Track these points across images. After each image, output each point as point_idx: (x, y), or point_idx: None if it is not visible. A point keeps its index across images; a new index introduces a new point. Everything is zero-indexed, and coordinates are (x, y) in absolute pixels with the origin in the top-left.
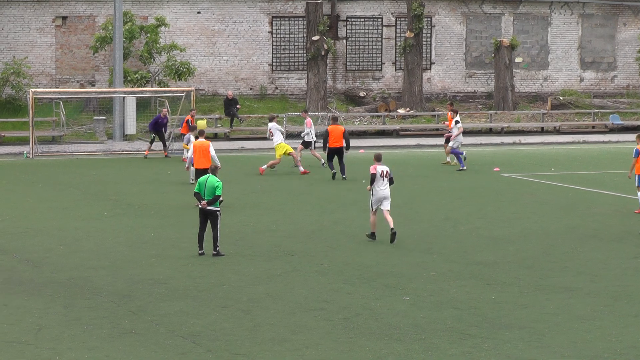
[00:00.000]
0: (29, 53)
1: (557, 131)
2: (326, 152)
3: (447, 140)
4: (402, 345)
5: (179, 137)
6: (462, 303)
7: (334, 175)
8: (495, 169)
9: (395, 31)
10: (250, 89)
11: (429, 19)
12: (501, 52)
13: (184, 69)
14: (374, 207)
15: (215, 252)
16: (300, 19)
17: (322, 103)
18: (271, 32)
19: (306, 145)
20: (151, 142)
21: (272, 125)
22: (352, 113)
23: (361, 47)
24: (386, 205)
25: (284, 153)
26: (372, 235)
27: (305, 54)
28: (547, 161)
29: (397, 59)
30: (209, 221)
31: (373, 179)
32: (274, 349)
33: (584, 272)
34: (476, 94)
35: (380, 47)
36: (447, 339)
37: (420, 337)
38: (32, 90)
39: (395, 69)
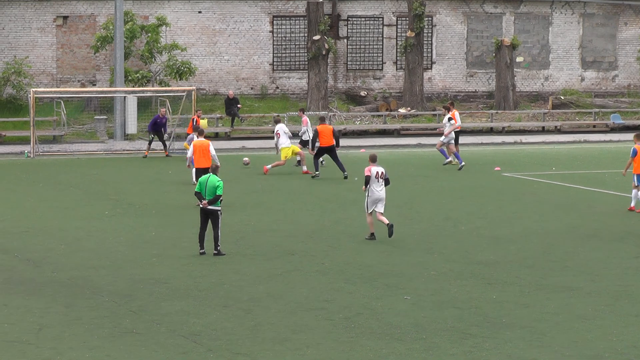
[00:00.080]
0: (30, 52)
1: (558, 131)
2: (314, 151)
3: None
4: (403, 344)
5: (179, 137)
6: (463, 302)
7: (317, 175)
8: (496, 169)
9: (396, 31)
10: (251, 88)
11: (430, 19)
12: (502, 51)
13: (185, 69)
14: (369, 209)
15: (216, 252)
16: (301, 18)
17: (323, 102)
18: (272, 32)
19: (304, 144)
20: (150, 143)
21: (279, 127)
22: (353, 112)
23: (362, 46)
24: (380, 208)
25: (291, 154)
26: (372, 236)
27: (306, 54)
28: (548, 160)
29: (398, 58)
30: (209, 221)
31: (367, 181)
32: (275, 349)
33: (585, 271)
34: (477, 93)
35: (381, 46)
36: (448, 338)
37: (421, 337)
38: (33, 89)
39: (396, 69)
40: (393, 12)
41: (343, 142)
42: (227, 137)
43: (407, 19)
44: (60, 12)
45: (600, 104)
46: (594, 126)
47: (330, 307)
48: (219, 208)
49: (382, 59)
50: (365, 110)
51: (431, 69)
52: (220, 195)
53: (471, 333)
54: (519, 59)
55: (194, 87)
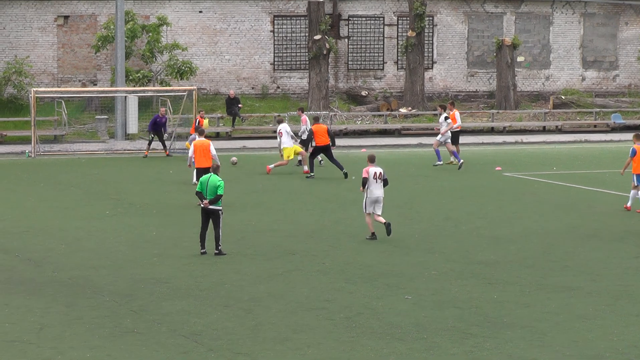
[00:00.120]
0: (31, 52)
1: (559, 130)
2: (309, 151)
3: (452, 140)
4: (403, 344)
5: (180, 137)
6: (463, 302)
7: (312, 176)
8: (497, 168)
9: (397, 30)
10: (252, 88)
11: (430, 18)
12: (503, 51)
13: (186, 68)
14: (368, 210)
15: (217, 252)
16: (302, 18)
17: (324, 102)
18: (273, 31)
19: (304, 143)
20: (150, 143)
21: (282, 126)
22: (354, 112)
23: (363, 46)
24: (378, 210)
25: (293, 154)
26: (373, 235)
27: (307, 53)
28: (548, 160)
29: (399, 58)
30: (211, 220)
31: (364, 182)
32: (276, 348)
33: (585, 271)
34: (478, 93)
35: (382, 46)
36: (448, 338)
37: (422, 337)
38: (34, 89)
39: (397, 68)
40: (394, 12)
41: (344, 142)
42: (228, 136)
43: (408, 18)
44: (61, 11)
45: (601, 103)
46: (595, 126)
47: (331, 306)
48: (220, 208)
49: (383, 58)
50: (366, 110)
51: (432, 68)
52: (221, 195)
53: (472, 333)
54: (519, 59)
55: (195, 87)
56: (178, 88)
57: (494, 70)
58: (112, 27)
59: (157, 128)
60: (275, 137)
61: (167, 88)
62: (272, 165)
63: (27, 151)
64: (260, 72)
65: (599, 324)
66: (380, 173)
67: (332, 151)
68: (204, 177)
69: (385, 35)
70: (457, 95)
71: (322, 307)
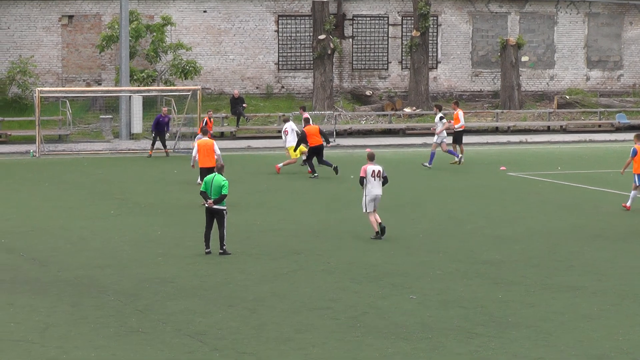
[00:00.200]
0: (35, 52)
1: (563, 130)
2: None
3: (454, 140)
4: (408, 344)
5: (184, 136)
6: (468, 302)
7: (316, 176)
8: (501, 168)
9: (402, 30)
10: (257, 87)
11: (435, 18)
12: (507, 51)
13: (190, 68)
14: (368, 209)
15: (221, 251)
16: (307, 17)
17: (329, 102)
18: (277, 31)
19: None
20: (153, 142)
21: (288, 125)
22: (359, 112)
23: (367, 46)
24: (375, 206)
25: (299, 152)
26: (377, 235)
27: (311, 53)
28: (553, 160)
29: (403, 57)
30: (215, 220)
31: (361, 182)
32: (280, 348)
33: (591, 271)
34: (482, 92)
35: (386, 46)
36: (453, 337)
37: (427, 336)
38: (39, 89)
39: (402, 68)
40: (398, 12)
41: (348, 141)
42: (233, 136)
43: (413, 18)
44: (65, 11)
45: (605, 103)
46: (600, 126)
47: (336, 306)
48: (225, 207)
49: (388, 58)
50: (371, 110)
51: (436, 68)
52: (225, 195)
53: (477, 332)
54: (524, 59)
55: (199, 87)
56: (182, 88)
57: (499, 70)
58: (116, 26)
59: (159, 128)
60: (280, 137)
61: (172, 88)
62: (281, 165)
63: (31, 151)
64: (265, 71)
65: (604, 323)
66: (380, 171)
67: (327, 150)
68: (209, 176)
69: (390, 35)
70: (461, 95)
71: (326, 307)
